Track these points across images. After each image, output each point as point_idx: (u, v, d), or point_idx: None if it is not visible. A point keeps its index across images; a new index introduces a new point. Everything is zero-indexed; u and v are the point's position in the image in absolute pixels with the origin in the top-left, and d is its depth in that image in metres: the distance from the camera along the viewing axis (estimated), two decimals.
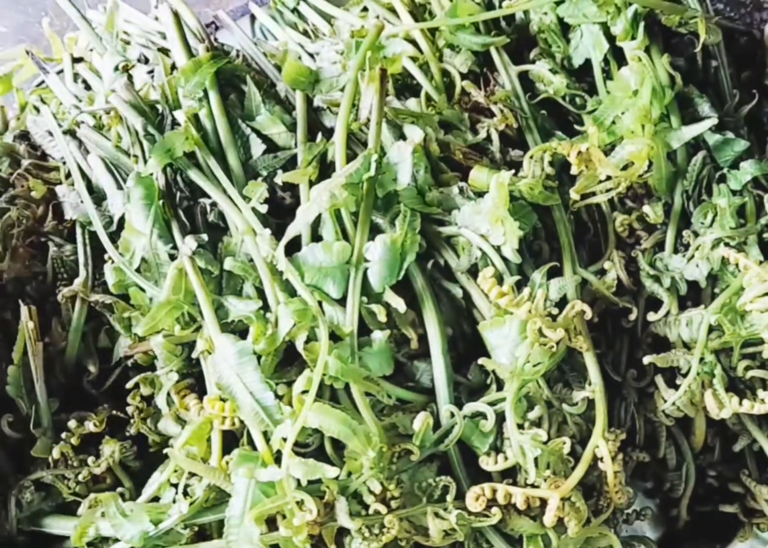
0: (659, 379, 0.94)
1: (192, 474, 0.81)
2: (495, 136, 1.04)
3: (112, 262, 0.92)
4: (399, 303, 0.85)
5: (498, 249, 0.90)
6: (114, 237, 0.94)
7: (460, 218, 0.92)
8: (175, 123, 0.96)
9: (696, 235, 0.99)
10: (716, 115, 1.02)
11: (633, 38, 1.04)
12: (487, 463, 0.83)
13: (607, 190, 0.99)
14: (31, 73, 1.29)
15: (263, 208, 0.90)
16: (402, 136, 0.96)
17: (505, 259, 0.90)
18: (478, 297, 0.91)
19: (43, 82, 1.24)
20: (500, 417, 0.84)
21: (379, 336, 0.84)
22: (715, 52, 1.09)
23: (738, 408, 0.88)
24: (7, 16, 1.42)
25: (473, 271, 0.91)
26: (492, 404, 0.84)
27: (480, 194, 0.92)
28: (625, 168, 0.99)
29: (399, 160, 0.90)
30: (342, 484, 0.78)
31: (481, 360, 0.86)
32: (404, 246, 0.87)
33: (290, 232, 0.85)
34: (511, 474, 0.84)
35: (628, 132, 1.00)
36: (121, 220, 0.94)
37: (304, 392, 0.78)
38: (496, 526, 0.81)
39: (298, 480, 0.77)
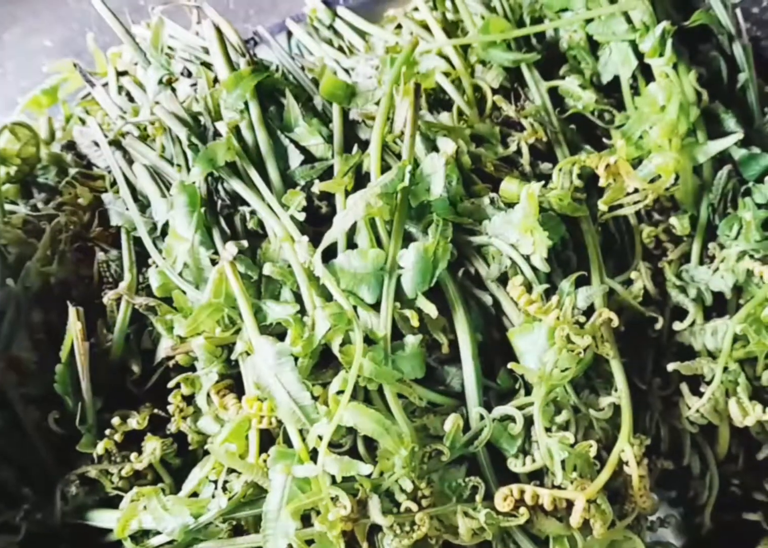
0: (684, 387, 0.96)
1: (230, 471, 0.84)
2: (525, 149, 1.07)
3: (156, 266, 0.95)
4: (431, 309, 0.88)
5: (527, 258, 0.92)
6: (157, 242, 0.98)
7: (490, 228, 0.94)
8: (216, 134, 1.00)
9: (721, 247, 1.01)
10: (742, 131, 1.04)
11: (661, 55, 1.07)
12: (515, 465, 0.86)
13: (635, 203, 1.02)
14: (75, 87, 1.34)
15: (301, 216, 0.93)
16: (435, 149, 0.99)
17: (534, 268, 0.92)
18: (507, 304, 0.93)
19: (87, 94, 1.29)
20: (528, 421, 0.86)
21: (411, 340, 0.87)
22: (743, 67, 1.12)
23: (762, 416, 0.89)
24: (53, 31, 1.47)
25: (503, 280, 0.94)
26: (520, 408, 0.87)
27: (510, 205, 0.95)
28: (652, 181, 1.01)
29: (432, 171, 0.93)
30: (375, 482, 0.81)
31: (510, 365, 0.88)
32: (436, 254, 0.89)
33: (327, 239, 0.89)
34: (538, 477, 0.87)
35: (656, 146, 1.03)
36: (165, 226, 0.97)
37: (340, 392, 0.81)
38: (523, 527, 0.83)
39: (333, 478, 0.79)
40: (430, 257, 0.89)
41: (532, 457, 0.85)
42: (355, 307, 0.86)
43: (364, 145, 0.99)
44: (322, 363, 0.87)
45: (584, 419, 0.89)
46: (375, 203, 0.88)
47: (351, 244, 0.92)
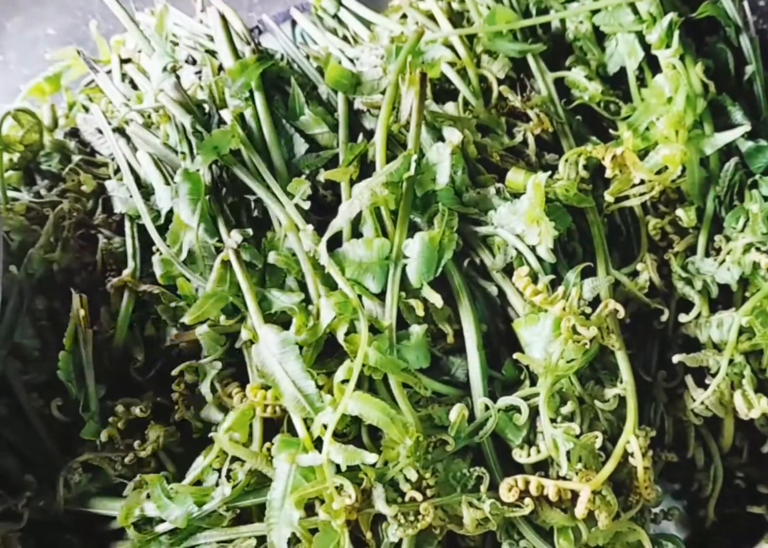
0: (689, 379, 0.96)
1: (234, 459, 0.84)
2: (531, 140, 1.07)
3: (160, 253, 0.95)
4: (436, 299, 0.88)
5: (533, 249, 0.92)
6: (161, 230, 0.97)
7: (496, 218, 0.94)
8: (221, 122, 0.99)
9: (727, 239, 1.01)
10: (749, 123, 1.04)
11: (668, 47, 1.06)
12: (520, 456, 0.85)
13: (641, 194, 1.01)
14: (78, 74, 1.33)
15: (306, 205, 0.92)
16: (440, 139, 0.98)
17: (539, 259, 0.92)
18: (512, 295, 0.93)
19: (91, 82, 1.28)
20: (533, 412, 0.86)
21: (416, 330, 0.87)
22: (750, 60, 1.11)
23: (767, 408, 0.89)
24: (55, 19, 1.46)
25: (508, 270, 0.93)
26: (526, 398, 0.86)
27: (516, 195, 0.95)
28: (658, 173, 1.01)
29: (438, 160, 0.93)
30: (379, 472, 0.80)
31: (515, 355, 0.88)
32: (442, 244, 0.89)
33: (332, 228, 0.88)
34: (543, 467, 0.86)
35: (662, 138, 1.02)
36: (169, 213, 0.97)
37: (345, 381, 0.81)
38: (527, 517, 0.83)
39: (338, 467, 0.79)
40: (436, 247, 0.88)
41: (537, 448, 0.85)
42: (360, 296, 0.86)
43: (369, 134, 0.99)
44: (327, 352, 0.86)
45: (589, 410, 0.89)
46: (380, 192, 0.88)
47: (356, 233, 0.91)
